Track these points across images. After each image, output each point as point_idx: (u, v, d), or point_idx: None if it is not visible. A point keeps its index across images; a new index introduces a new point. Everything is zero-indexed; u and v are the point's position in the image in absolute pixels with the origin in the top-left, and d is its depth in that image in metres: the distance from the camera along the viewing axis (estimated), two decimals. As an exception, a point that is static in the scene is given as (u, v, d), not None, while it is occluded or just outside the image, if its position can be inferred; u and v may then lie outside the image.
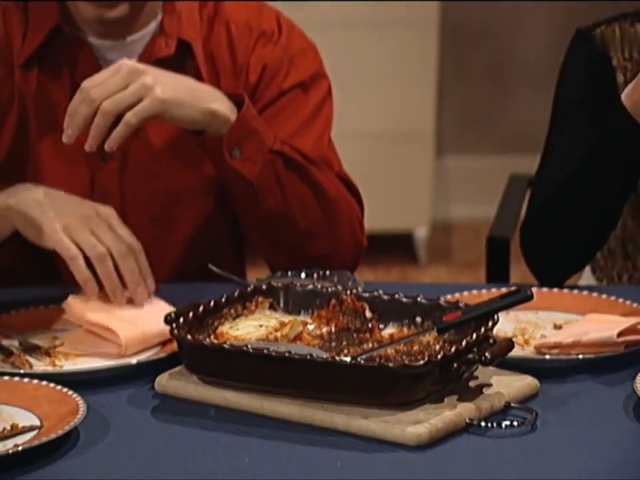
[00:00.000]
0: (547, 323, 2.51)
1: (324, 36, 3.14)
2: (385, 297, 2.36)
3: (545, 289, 2.65)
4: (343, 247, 2.81)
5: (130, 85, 2.61)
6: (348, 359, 2.21)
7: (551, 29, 5.13)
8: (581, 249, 2.93)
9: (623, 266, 3.03)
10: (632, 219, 3.01)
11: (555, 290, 2.66)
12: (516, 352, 2.32)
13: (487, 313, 2.26)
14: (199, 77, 2.83)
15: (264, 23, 2.91)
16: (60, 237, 2.52)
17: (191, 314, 2.29)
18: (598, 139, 2.91)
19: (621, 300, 2.61)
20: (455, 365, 2.16)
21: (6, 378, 2.27)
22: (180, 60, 2.82)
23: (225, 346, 2.24)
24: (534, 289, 2.52)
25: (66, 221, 2.54)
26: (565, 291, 2.68)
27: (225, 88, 2.84)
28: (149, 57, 2.81)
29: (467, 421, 2.13)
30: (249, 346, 2.24)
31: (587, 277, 3.17)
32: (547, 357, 2.37)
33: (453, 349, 2.17)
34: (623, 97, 2.84)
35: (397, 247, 5.56)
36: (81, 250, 2.52)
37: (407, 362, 2.19)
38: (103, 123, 2.60)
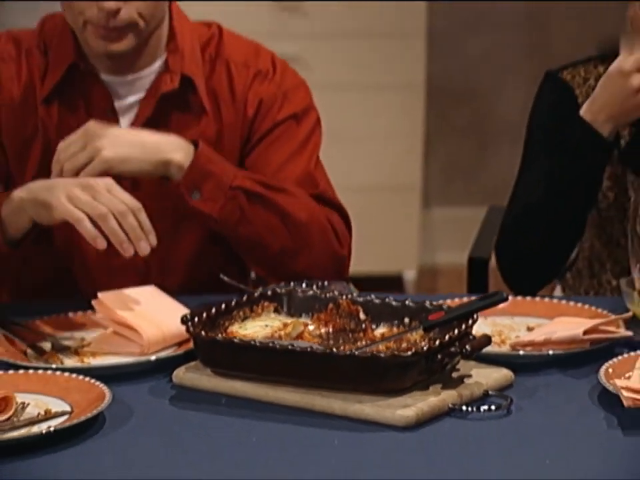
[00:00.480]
0: (521, 326, 2.53)
1: (320, 96, 3.15)
2: (377, 301, 2.39)
3: (519, 298, 2.67)
4: (322, 262, 2.80)
5: (86, 146, 2.66)
6: (344, 351, 2.27)
7: (529, 92, 5.24)
8: (549, 262, 2.96)
9: (589, 284, 3.04)
10: (598, 241, 3.02)
11: (528, 298, 2.68)
12: (493, 349, 2.38)
13: (468, 312, 2.30)
14: (202, 109, 2.87)
15: (260, 62, 2.92)
16: (66, 206, 2.53)
17: (204, 315, 2.33)
18: (561, 156, 2.95)
19: (586, 306, 2.63)
20: (439, 357, 2.21)
21: (40, 372, 2.30)
22: (183, 94, 2.84)
23: (235, 341, 2.29)
24: (510, 297, 2.57)
25: (70, 193, 2.55)
26: (537, 299, 2.69)
27: (226, 120, 2.89)
28: (155, 92, 2.84)
29: (450, 405, 2.18)
30: (256, 341, 2.30)
31: (557, 294, 3.16)
32: (521, 352, 2.40)
33: (437, 342, 2.21)
34: (582, 111, 2.88)
35: (388, 287, 5.40)
36: (87, 214, 2.52)
37: (396, 353, 2.24)
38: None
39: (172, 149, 2.71)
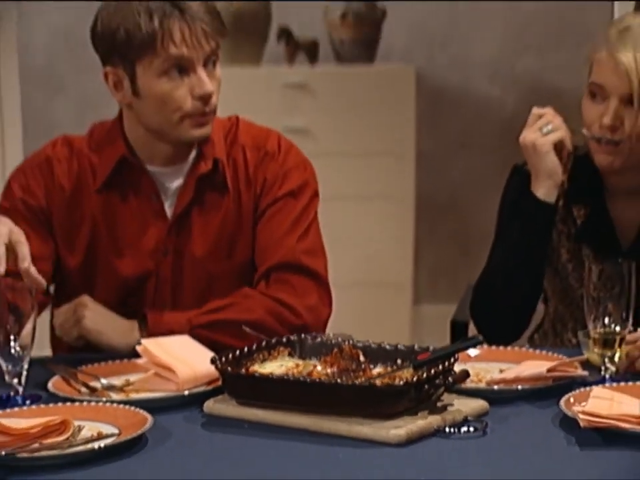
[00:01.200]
0: (495, 369, 2.56)
1: (322, 206, 3.12)
2: (374, 346, 2.45)
3: (493, 347, 2.69)
4: (298, 330, 2.69)
5: (75, 313, 2.72)
6: (347, 382, 2.33)
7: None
8: (513, 317, 2.94)
9: (553, 342, 3.04)
10: (561, 304, 3.02)
11: (500, 347, 2.70)
12: (472, 385, 2.45)
13: (450, 352, 2.36)
14: (225, 189, 2.88)
15: (268, 144, 2.92)
16: None
17: (230, 356, 2.39)
18: (516, 224, 2.96)
19: (549, 353, 2.66)
20: (426, 387, 2.27)
21: (93, 404, 2.36)
22: (212, 176, 2.86)
23: (256, 375, 2.37)
24: (485, 347, 2.67)
25: None
26: (508, 348, 2.71)
27: (243, 198, 2.90)
28: (193, 175, 2.86)
29: (435, 427, 2.24)
30: (273, 375, 2.37)
31: (525, 352, 3.19)
32: (495, 387, 2.45)
33: (424, 375, 2.27)
34: (521, 138, 2.91)
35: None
36: None
37: (390, 383, 2.31)
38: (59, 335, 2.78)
39: (133, 328, 2.75)
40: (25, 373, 2.47)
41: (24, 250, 2.55)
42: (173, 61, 2.74)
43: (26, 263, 2.53)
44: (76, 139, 2.92)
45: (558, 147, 2.89)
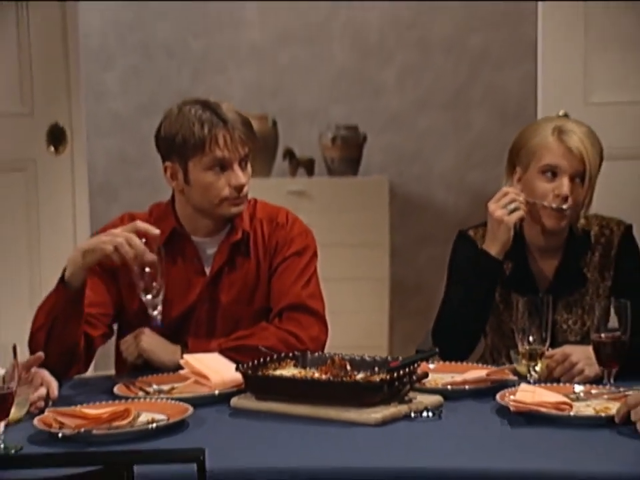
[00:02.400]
0: (448, 376, 2.59)
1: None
2: (357, 358, 2.50)
3: (447, 362, 2.71)
4: (304, 348, 2.71)
5: (136, 338, 2.76)
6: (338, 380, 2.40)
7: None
8: (466, 344, 2.90)
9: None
10: (496, 337, 2.99)
11: (453, 363, 2.71)
12: (431, 386, 2.50)
13: (413, 360, 2.44)
14: (248, 254, 2.89)
15: (279, 218, 2.93)
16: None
17: (250, 364, 2.46)
18: (468, 276, 2.93)
19: (488, 366, 2.69)
20: (396, 384, 2.36)
21: (147, 400, 2.43)
22: (239, 244, 2.86)
23: (270, 376, 2.46)
24: (441, 362, 2.71)
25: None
26: (458, 363, 2.71)
27: (261, 260, 2.90)
28: (227, 242, 2.86)
29: (403, 413, 2.32)
30: (283, 376, 2.47)
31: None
32: (448, 387, 2.51)
33: (394, 375, 2.35)
34: (490, 210, 2.87)
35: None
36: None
37: (369, 379, 2.39)
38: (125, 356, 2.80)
39: (176, 350, 2.75)
40: (160, 306, 2.63)
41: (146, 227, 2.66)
42: (217, 160, 2.79)
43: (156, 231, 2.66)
44: (138, 214, 2.91)
45: (516, 222, 2.88)
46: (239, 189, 2.81)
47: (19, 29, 4.02)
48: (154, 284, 2.64)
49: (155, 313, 2.63)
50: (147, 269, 2.62)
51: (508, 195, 2.87)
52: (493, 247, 2.89)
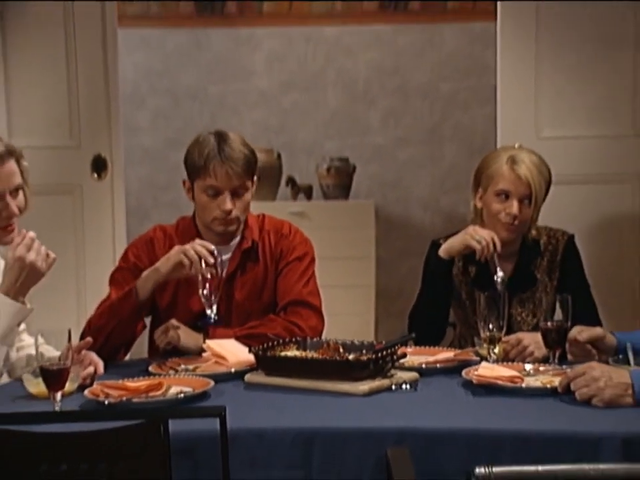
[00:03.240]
0: (423, 358, 2.62)
1: None
2: (348, 342, 2.52)
3: (422, 347, 2.73)
4: (305, 335, 2.70)
5: (166, 328, 2.72)
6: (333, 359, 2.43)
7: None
8: (431, 331, 2.91)
9: None
10: (463, 327, 3.02)
11: (425, 347, 2.73)
12: (409, 365, 2.53)
13: (394, 343, 2.48)
14: (257, 260, 2.88)
15: (283, 229, 2.93)
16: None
17: (261, 347, 2.49)
18: (429, 276, 2.97)
19: (456, 349, 2.73)
20: (380, 362, 2.40)
21: (177, 376, 2.45)
22: (249, 251, 2.87)
23: (277, 356, 2.49)
24: (417, 347, 2.72)
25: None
26: (430, 347, 2.74)
27: (269, 265, 2.89)
28: (239, 249, 2.86)
29: (386, 386, 2.36)
30: (288, 356, 2.50)
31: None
32: (423, 365, 2.54)
33: (379, 355, 2.40)
34: (470, 231, 2.89)
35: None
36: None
37: (358, 358, 2.41)
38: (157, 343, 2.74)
39: (197, 338, 2.72)
40: (215, 306, 2.65)
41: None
42: (210, 187, 2.78)
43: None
44: (167, 226, 2.93)
45: (466, 248, 2.89)
46: (226, 212, 2.78)
47: (69, 76, 4.02)
48: (210, 287, 2.65)
49: (209, 311, 2.66)
50: (208, 275, 2.64)
51: (489, 234, 2.87)
52: (445, 249, 2.93)
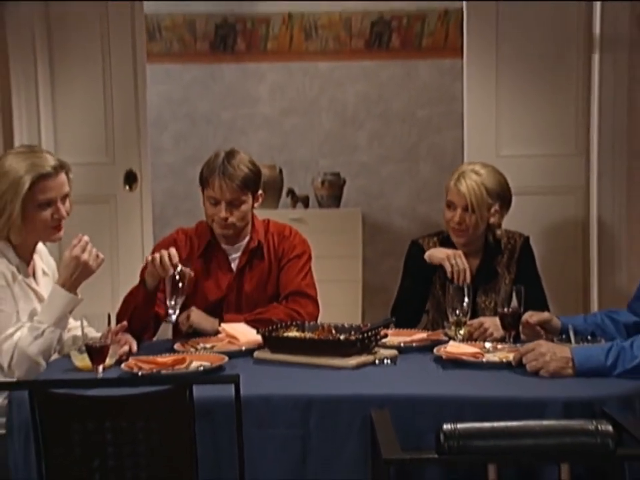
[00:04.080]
0: (401, 338, 2.62)
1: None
2: (339, 325, 2.53)
3: (400, 329, 2.72)
4: (303, 319, 2.68)
5: (187, 314, 2.68)
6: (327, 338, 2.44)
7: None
8: (408, 318, 2.89)
9: None
10: (436, 313, 2.99)
11: (405, 329, 2.73)
12: (389, 344, 2.53)
13: (377, 325, 2.49)
14: (262, 257, 2.84)
15: (285, 231, 2.90)
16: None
17: (267, 329, 2.50)
18: (409, 275, 2.98)
19: (428, 331, 2.72)
20: (366, 341, 2.42)
21: (197, 353, 2.45)
22: (256, 250, 2.84)
23: (281, 336, 2.50)
24: (397, 329, 2.70)
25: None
26: (408, 330, 2.73)
27: (272, 262, 2.84)
28: (248, 248, 2.83)
29: (371, 361, 2.38)
30: (289, 336, 2.50)
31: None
32: (402, 344, 2.55)
33: (365, 335, 2.41)
34: (426, 255, 2.89)
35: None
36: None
37: (347, 337, 2.42)
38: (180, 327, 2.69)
39: (213, 322, 2.72)
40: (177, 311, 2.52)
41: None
42: (210, 197, 2.76)
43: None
44: (188, 229, 2.91)
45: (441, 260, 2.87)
46: (222, 219, 2.75)
47: (105, 104, 3.97)
48: (177, 295, 2.54)
49: (172, 313, 2.55)
50: (180, 284, 2.53)
51: (463, 265, 2.85)
52: (428, 255, 2.93)
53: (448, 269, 2.85)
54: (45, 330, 2.36)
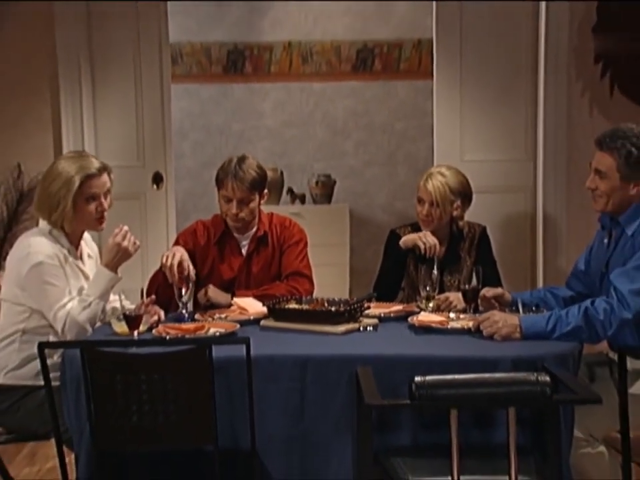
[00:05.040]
0: (381, 310, 2.58)
1: None
2: (331, 299, 2.54)
3: (380, 303, 2.68)
4: (301, 295, 2.66)
5: (206, 291, 2.65)
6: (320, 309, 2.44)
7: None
8: (386, 293, 2.83)
9: None
10: (410, 290, 2.94)
11: (383, 303, 2.68)
12: (372, 314, 2.52)
13: (362, 299, 2.50)
14: (267, 244, 2.80)
15: (286, 222, 2.86)
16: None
17: (272, 302, 2.50)
18: (387, 259, 2.93)
19: (404, 305, 2.68)
20: (352, 312, 2.42)
21: (214, 321, 2.45)
22: (262, 238, 2.80)
23: (283, 307, 2.50)
24: (377, 303, 2.64)
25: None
26: (387, 303, 2.69)
27: (276, 248, 2.79)
28: (255, 237, 2.79)
29: (356, 328, 2.38)
30: (289, 308, 2.50)
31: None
32: (382, 315, 2.53)
33: (351, 306, 2.42)
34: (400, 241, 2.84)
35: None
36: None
37: (337, 308, 2.42)
38: (199, 301, 2.65)
39: (227, 297, 2.68)
40: (189, 305, 2.50)
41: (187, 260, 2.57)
42: (224, 196, 2.73)
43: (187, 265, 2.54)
44: (206, 221, 2.86)
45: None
46: (234, 215, 2.72)
47: (137, 117, 3.94)
48: (187, 292, 2.52)
49: (181, 307, 2.50)
50: (190, 284, 2.51)
51: (433, 241, 2.83)
52: (403, 241, 2.89)
53: (421, 246, 2.82)
54: (92, 302, 2.39)
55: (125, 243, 2.45)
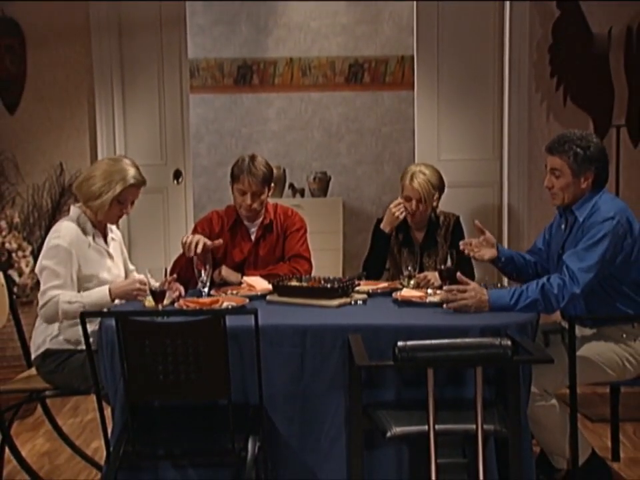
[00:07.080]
0: (369, 287, 2.55)
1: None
2: (328, 277, 2.51)
3: (369, 281, 2.65)
4: (301, 274, 2.64)
5: (221, 271, 2.59)
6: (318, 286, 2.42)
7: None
8: (374, 271, 2.85)
9: None
10: (394, 270, 2.92)
11: (371, 281, 2.64)
12: (362, 290, 2.50)
13: (353, 278, 2.54)
14: (272, 230, 2.76)
15: (288, 212, 2.83)
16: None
17: (276, 280, 2.48)
18: (375, 242, 2.91)
19: (390, 282, 2.63)
20: (345, 288, 2.42)
21: (226, 296, 2.43)
22: (268, 225, 2.78)
23: (285, 284, 2.47)
24: (366, 281, 2.62)
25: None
26: (374, 281, 2.67)
27: (280, 234, 2.76)
28: (262, 225, 2.76)
29: (349, 302, 2.38)
30: (290, 285, 2.47)
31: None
32: (370, 290, 2.51)
33: (344, 284, 2.43)
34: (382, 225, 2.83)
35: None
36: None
37: (332, 286, 2.41)
38: (214, 280, 2.55)
39: (238, 276, 2.62)
40: (207, 286, 2.43)
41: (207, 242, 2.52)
42: (239, 189, 2.69)
43: (209, 243, 2.51)
44: (220, 211, 2.83)
45: (399, 216, 2.84)
46: (248, 206, 2.69)
47: (160, 121, 3.93)
48: (205, 273, 2.44)
49: (201, 286, 2.44)
50: (207, 266, 2.43)
51: (400, 205, 2.85)
52: (386, 226, 2.90)
53: (396, 214, 2.81)
54: (77, 303, 2.34)
55: (136, 293, 2.38)
